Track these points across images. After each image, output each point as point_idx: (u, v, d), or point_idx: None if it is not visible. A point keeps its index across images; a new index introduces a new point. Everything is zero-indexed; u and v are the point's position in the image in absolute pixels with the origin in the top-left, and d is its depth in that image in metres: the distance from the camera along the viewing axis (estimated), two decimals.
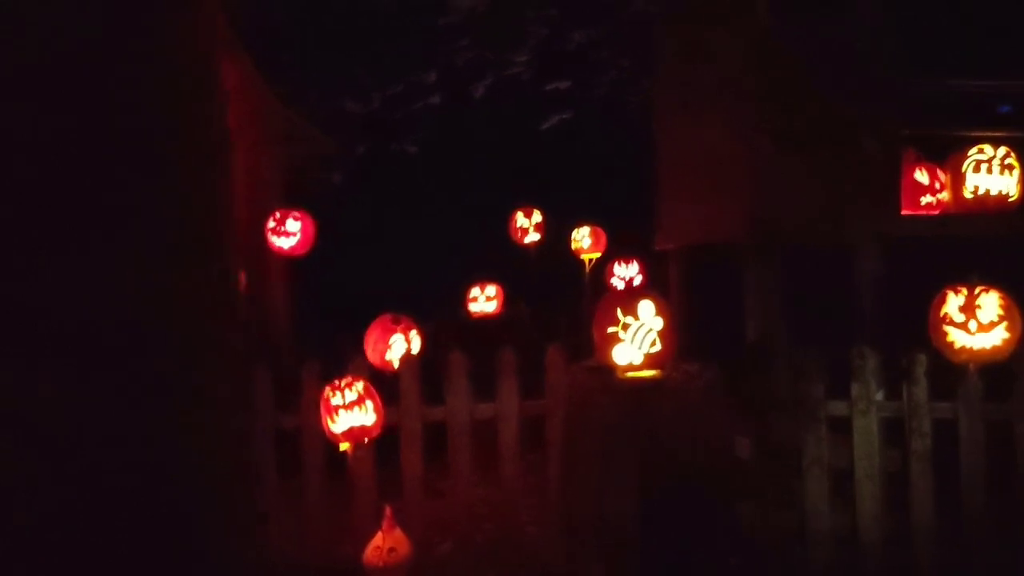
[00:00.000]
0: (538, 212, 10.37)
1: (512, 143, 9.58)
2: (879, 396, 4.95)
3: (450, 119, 9.09)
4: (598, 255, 9.95)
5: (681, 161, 7.47)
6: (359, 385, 4.87)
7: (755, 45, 6.22)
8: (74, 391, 1.62)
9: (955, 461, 4.86)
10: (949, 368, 4.91)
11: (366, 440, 4.90)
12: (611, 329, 4.51)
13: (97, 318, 1.63)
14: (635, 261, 9.24)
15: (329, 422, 4.81)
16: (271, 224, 7.79)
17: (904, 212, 6.31)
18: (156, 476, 1.63)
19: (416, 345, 6.53)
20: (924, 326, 4.98)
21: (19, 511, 1.66)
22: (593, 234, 9.96)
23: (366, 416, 4.82)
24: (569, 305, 8.82)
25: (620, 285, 9.15)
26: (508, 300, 9.26)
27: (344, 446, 4.88)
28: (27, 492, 1.61)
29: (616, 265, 9.36)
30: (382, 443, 5.10)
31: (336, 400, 4.80)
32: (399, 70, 7.99)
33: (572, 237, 10.11)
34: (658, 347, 4.50)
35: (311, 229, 7.97)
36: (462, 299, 9.21)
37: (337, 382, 4.86)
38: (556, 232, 10.11)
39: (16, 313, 1.62)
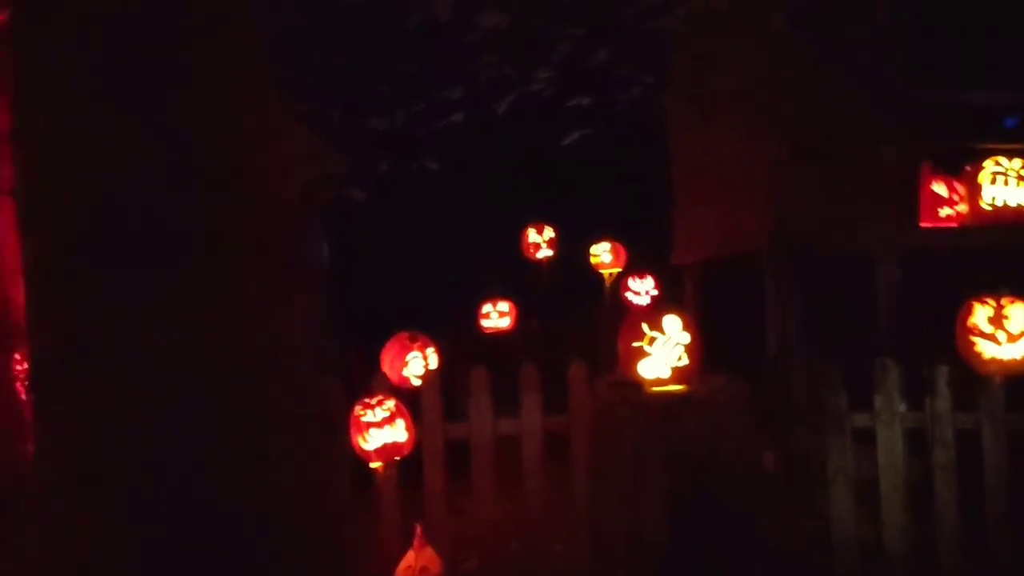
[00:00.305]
0: (550, 228, 10.49)
1: (532, 159, 9.71)
2: (902, 407, 5.04)
3: (472, 136, 9.22)
4: (618, 270, 10.02)
5: (697, 173, 7.59)
6: (390, 403, 4.89)
7: (770, 56, 6.35)
8: (165, 416, 1.71)
9: (979, 470, 4.95)
10: (970, 378, 5.00)
11: (397, 458, 4.94)
12: (637, 343, 4.62)
13: (194, 345, 1.72)
14: (649, 275, 9.35)
15: (360, 440, 4.83)
16: None
17: (923, 224, 6.42)
18: (242, 503, 1.71)
19: (433, 362, 6.62)
20: (944, 336, 5.07)
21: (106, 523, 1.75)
22: (613, 249, 10.05)
23: (398, 434, 4.85)
24: (588, 320, 8.91)
25: (635, 299, 9.25)
26: (521, 316, 9.35)
27: (376, 464, 4.91)
28: (115, 509, 1.70)
29: (631, 279, 9.46)
30: (402, 461, 5.14)
31: (368, 418, 4.83)
32: (423, 87, 8.13)
33: (591, 252, 10.21)
34: (685, 361, 4.61)
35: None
36: (475, 315, 9.29)
37: (368, 400, 4.88)
38: (575, 247, 10.21)
39: (115, 335, 1.72)
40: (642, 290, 9.32)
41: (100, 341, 1.80)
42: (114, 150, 1.81)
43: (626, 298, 9.35)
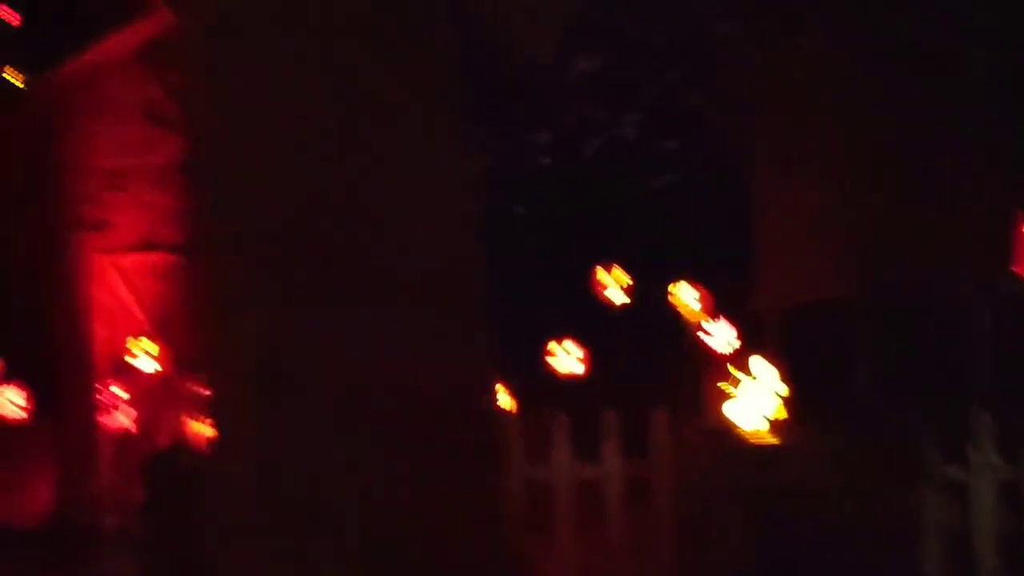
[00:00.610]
0: (623, 271, 10.47)
1: (617, 202, 9.77)
2: (996, 459, 4.97)
3: (558, 178, 9.29)
4: (700, 314, 9.92)
5: (782, 218, 7.57)
6: None
7: (862, 105, 6.36)
8: (343, 446, 1.76)
9: None
10: None
11: None
12: (726, 388, 4.64)
13: (371, 377, 1.77)
14: (726, 320, 9.28)
15: None
16: None
17: (1017, 270, 6.35)
18: (417, 531, 1.76)
19: (504, 402, 6.64)
20: None
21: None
22: (695, 292, 9.98)
23: None
24: (669, 365, 8.88)
25: (711, 343, 9.20)
26: (594, 359, 9.34)
27: None
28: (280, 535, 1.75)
29: (707, 323, 9.40)
30: None
31: None
32: (512, 130, 8.24)
33: (672, 294, 10.14)
34: (775, 407, 4.62)
35: None
36: (542, 354, 9.32)
37: None
38: (656, 289, 10.16)
39: (294, 366, 1.77)
40: (718, 334, 9.25)
41: (279, 372, 1.84)
42: (293, 185, 1.86)
43: (702, 342, 9.30)
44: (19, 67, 9.59)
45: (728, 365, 4.69)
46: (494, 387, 1.98)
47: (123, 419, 5.65)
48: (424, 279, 1.90)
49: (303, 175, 1.87)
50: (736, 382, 4.60)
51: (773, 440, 4.53)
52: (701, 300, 9.94)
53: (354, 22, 1.91)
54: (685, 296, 9.99)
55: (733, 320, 9.12)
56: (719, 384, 4.63)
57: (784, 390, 4.60)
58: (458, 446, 1.87)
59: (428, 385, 1.86)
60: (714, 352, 9.05)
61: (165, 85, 7.71)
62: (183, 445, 5.17)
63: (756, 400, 4.58)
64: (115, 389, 5.76)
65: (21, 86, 9.33)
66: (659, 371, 8.49)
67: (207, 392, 2.04)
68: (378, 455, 1.79)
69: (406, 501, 1.78)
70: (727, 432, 4.57)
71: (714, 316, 9.48)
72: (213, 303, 1.98)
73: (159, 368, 6.88)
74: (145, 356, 6.98)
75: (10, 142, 8.00)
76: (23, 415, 7.25)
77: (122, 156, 7.82)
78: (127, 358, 7.00)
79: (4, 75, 9.72)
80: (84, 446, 7.63)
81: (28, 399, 7.24)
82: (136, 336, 7.22)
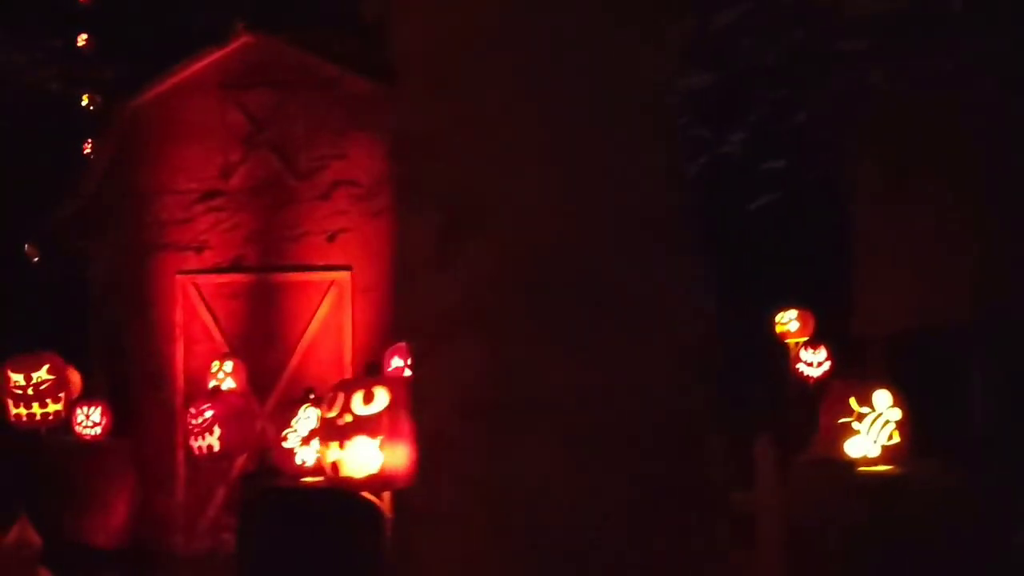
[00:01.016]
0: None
1: (719, 222, 9.60)
2: None
3: None
4: (804, 339, 9.68)
5: (888, 241, 7.35)
6: None
7: (975, 123, 6.16)
8: (575, 483, 1.63)
9: None
10: None
11: None
12: (844, 420, 4.44)
13: (607, 409, 1.64)
14: (823, 347, 9.04)
15: None
16: None
17: None
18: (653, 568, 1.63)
19: None
20: None
21: None
22: (800, 317, 9.73)
23: None
24: (770, 393, 8.68)
25: (807, 371, 8.97)
26: None
27: None
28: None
29: (803, 350, 9.17)
30: None
31: None
32: None
33: (777, 320, 9.91)
34: (895, 439, 4.41)
35: None
36: None
37: None
38: (757, 314, 9.92)
39: (530, 395, 1.63)
40: (815, 361, 9.02)
41: (507, 405, 1.70)
42: (522, 205, 1.72)
43: (798, 370, 9.09)
44: (99, 92, 9.78)
45: (838, 392, 4.48)
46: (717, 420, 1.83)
47: (203, 440, 5.62)
48: (656, 308, 1.76)
49: (533, 197, 1.73)
50: (858, 415, 4.40)
51: (889, 471, 4.32)
52: (802, 323, 9.71)
53: (576, 34, 1.78)
54: (786, 319, 9.76)
55: (834, 346, 8.89)
56: (839, 417, 4.43)
57: (899, 418, 4.39)
58: (687, 481, 1.73)
59: (658, 416, 1.71)
60: (807, 379, 8.83)
61: (245, 109, 7.79)
62: (272, 467, 5.10)
63: (876, 431, 4.38)
64: (195, 410, 5.74)
65: (101, 111, 9.51)
66: (762, 398, 8.29)
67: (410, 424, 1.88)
68: (611, 490, 1.66)
69: (640, 538, 1.64)
70: (845, 465, 4.37)
71: (815, 341, 9.27)
72: (426, 328, 1.84)
73: (240, 389, 6.86)
74: (226, 377, 6.97)
75: (92, 166, 8.13)
76: (99, 433, 7.28)
77: (203, 179, 7.89)
78: (209, 380, 6.99)
79: (83, 101, 9.93)
80: (160, 466, 7.66)
81: (105, 417, 7.27)
82: (217, 357, 7.23)
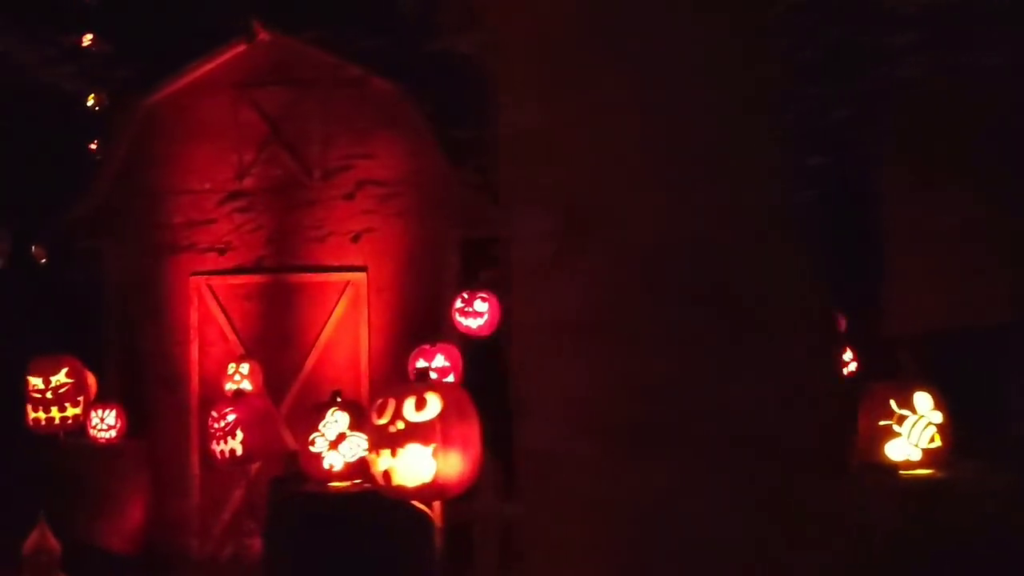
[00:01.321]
0: None
1: None
2: None
3: None
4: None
5: (919, 239, 7.28)
6: None
7: (1014, 113, 6.08)
8: (697, 500, 1.55)
9: None
10: None
11: None
12: (885, 422, 4.38)
13: (733, 423, 1.57)
14: (848, 348, 8.97)
15: None
16: (459, 304, 7.92)
17: None
18: None
19: None
20: None
21: None
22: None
23: None
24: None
25: (845, 371, 8.88)
26: None
27: None
28: None
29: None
30: None
31: None
32: None
33: None
34: (937, 443, 4.35)
35: (497, 310, 8.07)
36: None
37: None
38: None
39: (657, 415, 1.55)
40: (848, 360, 8.93)
41: (645, 421, 1.60)
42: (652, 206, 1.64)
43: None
44: (112, 92, 9.71)
45: (878, 394, 4.41)
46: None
47: (225, 444, 5.56)
48: (791, 312, 1.68)
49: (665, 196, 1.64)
50: (899, 417, 4.33)
51: (931, 474, 4.26)
52: (841, 325, 9.63)
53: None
54: None
55: (859, 346, 8.81)
56: (870, 414, 4.36)
57: (940, 420, 4.33)
58: (827, 497, 1.65)
59: (799, 429, 1.64)
60: (887, 382, 8.74)
61: (261, 108, 7.74)
62: (298, 471, 5.04)
63: (919, 434, 4.31)
64: (217, 413, 5.68)
65: (108, 110, 9.44)
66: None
67: (525, 440, 1.78)
68: (755, 507, 1.58)
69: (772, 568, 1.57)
70: (887, 469, 4.31)
71: (846, 341, 9.19)
72: (536, 337, 1.74)
73: (257, 391, 6.80)
74: (243, 379, 6.91)
75: (105, 165, 8.08)
76: (115, 436, 7.22)
77: (219, 179, 7.85)
78: (225, 382, 6.94)
79: (89, 100, 9.86)
80: (175, 469, 7.61)
81: (120, 420, 7.22)
82: (233, 359, 7.18)
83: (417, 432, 3.95)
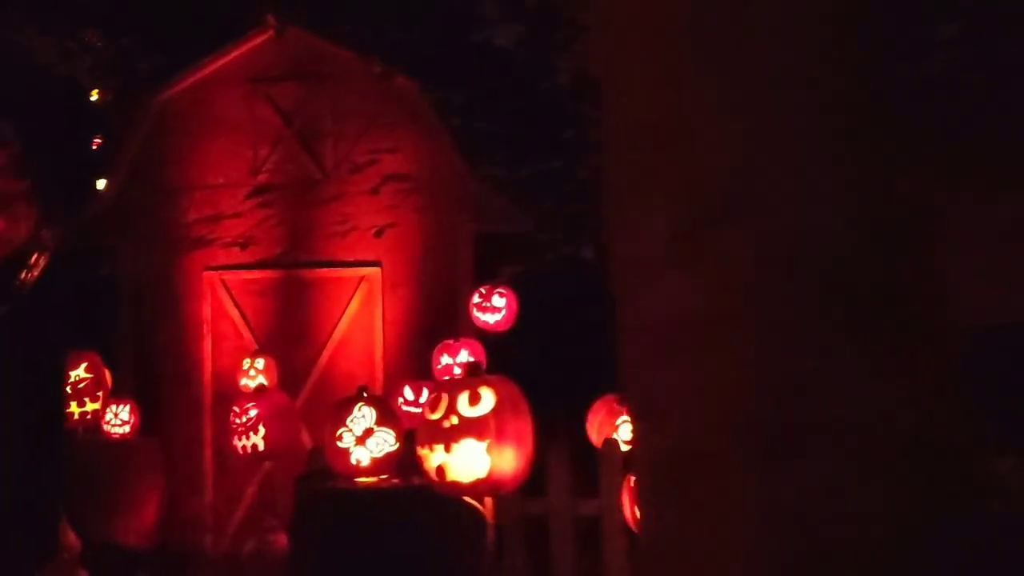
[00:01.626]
0: None
1: None
2: None
3: None
4: None
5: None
6: None
7: None
8: (838, 490, 1.52)
9: None
10: None
11: None
12: None
13: (876, 426, 1.53)
14: None
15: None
16: (476, 299, 7.89)
17: None
18: None
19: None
20: None
21: None
22: None
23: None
24: None
25: None
26: None
27: None
28: None
29: None
30: None
31: None
32: None
33: None
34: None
35: (515, 306, 8.05)
36: None
37: None
38: None
39: (799, 418, 1.51)
40: None
41: (788, 424, 1.55)
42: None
43: None
44: (117, 88, 9.68)
45: None
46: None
47: (247, 440, 5.53)
48: (938, 307, 1.64)
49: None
50: None
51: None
52: None
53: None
54: None
55: None
56: None
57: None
58: (975, 491, 1.61)
59: (942, 427, 1.60)
60: None
61: (277, 103, 7.71)
62: (324, 467, 5.01)
63: None
64: (239, 408, 5.65)
65: (113, 106, 9.42)
66: None
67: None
68: (909, 507, 1.54)
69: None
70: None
71: None
72: (661, 334, 1.67)
73: (272, 386, 6.76)
74: (258, 374, 6.87)
75: (118, 161, 8.03)
76: (129, 432, 7.19)
77: (234, 174, 7.81)
78: (240, 377, 6.90)
79: (93, 97, 9.83)
80: (189, 465, 7.58)
81: (134, 416, 7.18)
82: (247, 355, 7.14)
83: (471, 427, 3.91)
